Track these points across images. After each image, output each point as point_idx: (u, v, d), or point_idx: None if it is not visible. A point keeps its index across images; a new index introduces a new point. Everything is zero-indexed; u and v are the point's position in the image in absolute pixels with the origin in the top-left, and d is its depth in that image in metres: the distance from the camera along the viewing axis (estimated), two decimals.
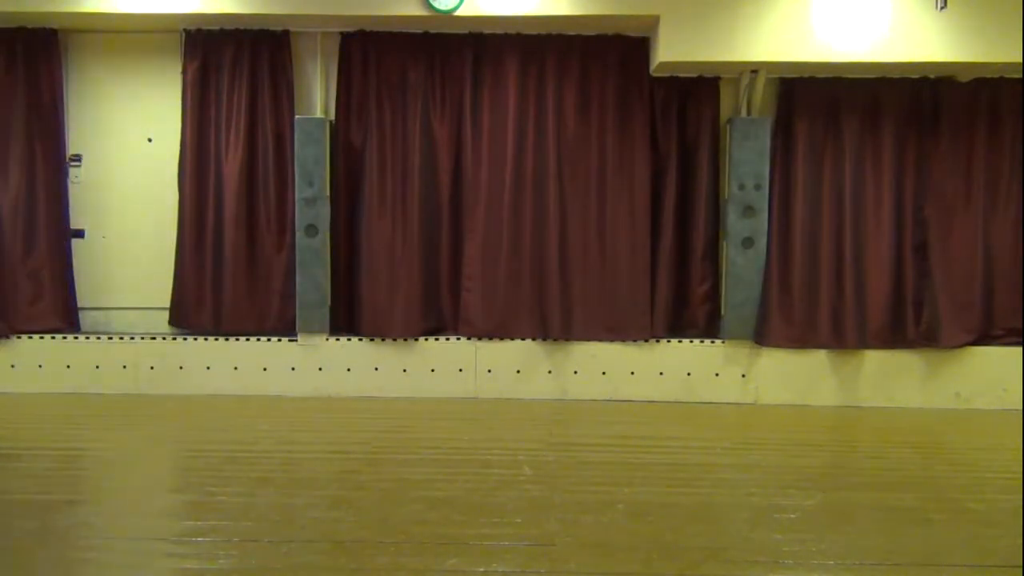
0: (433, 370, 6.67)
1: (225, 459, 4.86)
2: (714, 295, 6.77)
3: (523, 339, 6.69)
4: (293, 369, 6.65)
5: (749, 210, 6.54)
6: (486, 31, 6.58)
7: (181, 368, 6.65)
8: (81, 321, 6.84)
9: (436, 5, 6.22)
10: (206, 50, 6.66)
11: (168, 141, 6.76)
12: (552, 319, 6.66)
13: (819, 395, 6.64)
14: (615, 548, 3.55)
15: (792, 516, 3.98)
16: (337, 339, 6.69)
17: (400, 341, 6.67)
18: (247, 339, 6.68)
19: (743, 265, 6.57)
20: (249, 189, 6.67)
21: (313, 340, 6.65)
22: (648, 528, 3.80)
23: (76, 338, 6.70)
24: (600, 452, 5.17)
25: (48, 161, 6.69)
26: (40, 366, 6.63)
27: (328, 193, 6.56)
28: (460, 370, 6.69)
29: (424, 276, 6.73)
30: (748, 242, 6.55)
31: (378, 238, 6.65)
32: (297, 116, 6.60)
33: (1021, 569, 3.35)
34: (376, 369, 6.68)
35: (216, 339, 6.68)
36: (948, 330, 6.57)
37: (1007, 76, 6.48)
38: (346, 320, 6.78)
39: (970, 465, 5.02)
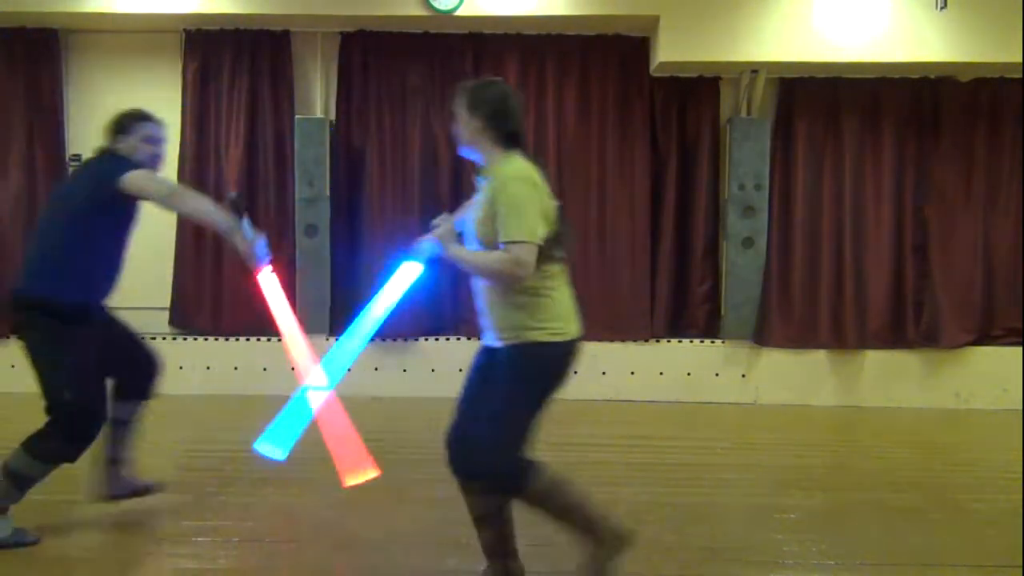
0: (433, 370, 6.66)
1: (225, 459, 4.86)
2: (714, 295, 6.77)
3: None
4: (293, 369, 6.63)
5: (749, 210, 6.54)
6: (486, 31, 6.58)
7: (181, 368, 6.65)
8: None
9: (436, 5, 6.22)
10: (206, 50, 6.66)
11: (168, 141, 6.74)
12: None
13: (819, 395, 6.64)
14: None
15: (792, 516, 3.97)
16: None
17: (400, 341, 6.66)
18: (247, 339, 6.68)
19: (743, 265, 6.57)
20: (249, 189, 6.67)
21: (313, 340, 6.62)
22: (648, 528, 3.80)
23: None
24: (600, 452, 5.17)
25: (48, 161, 6.69)
26: None
27: (328, 193, 6.56)
28: (460, 370, 6.59)
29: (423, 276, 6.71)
30: (748, 242, 6.55)
31: (378, 238, 6.64)
32: (297, 116, 6.60)
33: (1021, 569, 3.34)
34: (376, 369, 6.67)
35: (216, 339, 6.68)
36: (948, 330, 6.57)
37: (1007, 76, 6.48)
38: (346, 320, 6.76)
39: (970, 465, 5.02)
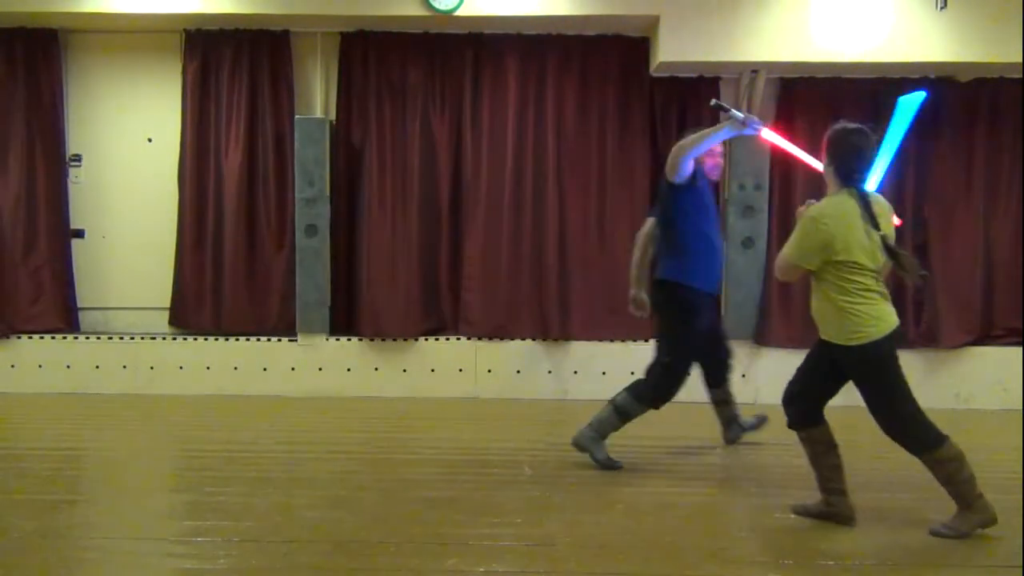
0: (433, 370, 6.67)
1: (225, 459, 4.86)
2: None
3: (523, 339, 6.69)
4: (293, 369, 6.65)
5: (749, 210, 6.54)
6: (486, 31, 6.58)
7: (181, 368, 6.65)
8: (81, 321, 6.84)
9: (436, 5, 6.22)
10: (206, 50, 6.65)
11: (168, 141, 6.76)
12: (552, 319, 6.65)
13: None
14: (615, 548, 3.55)
15: (792, 516, 3.97)
16: (337, 339, 6.68)
17: (400, 341, 6.66)
18: (247, 339, 6.68)
19: (743, 265, 6.57)
20: (249, 189, 6.67)
21: (313, 340, 6.65)
22: (648, 528, 3.80)
23: (76, 338, 6.70)
24: None
25: (48, 161, 6.69)
26: (40, 366, 6.63)
27: (328, 193, 6.56)
28: (460, 370, 6.69)
29: (424, 276, 6.72)
30: (748, 242, 6.55)
31: (378, 238, 6.64)
32: (297, 116, 6.60)
33: (1021, 569, 3.35)
34: (376, 369, 6.67)
35: (216, 339, 6.68)
36: (948, 330, 6.57)
37: (1007, 76, 6.48)
38: (346, 320, 6.78)
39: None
